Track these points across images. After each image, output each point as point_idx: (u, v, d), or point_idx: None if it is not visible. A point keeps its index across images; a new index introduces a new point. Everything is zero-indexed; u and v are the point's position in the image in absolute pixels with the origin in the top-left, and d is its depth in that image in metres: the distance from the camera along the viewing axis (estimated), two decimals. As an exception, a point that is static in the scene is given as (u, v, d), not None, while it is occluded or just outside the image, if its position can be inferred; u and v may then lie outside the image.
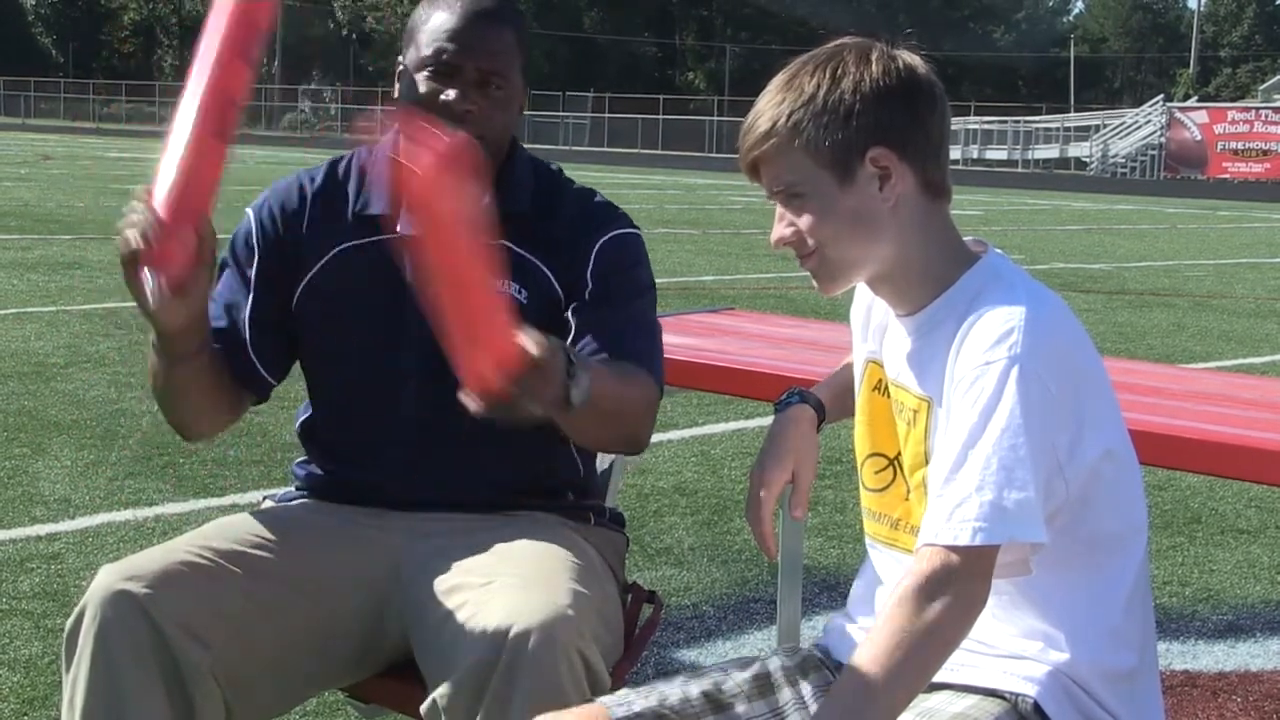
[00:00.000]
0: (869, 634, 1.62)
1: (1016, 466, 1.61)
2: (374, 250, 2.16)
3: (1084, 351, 1.72)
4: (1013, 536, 1.61)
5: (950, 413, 1.68)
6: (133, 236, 1.80)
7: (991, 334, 1.65)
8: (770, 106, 1.75)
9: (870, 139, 1.71)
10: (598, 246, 2.16)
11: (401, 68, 2.17)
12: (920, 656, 1.58)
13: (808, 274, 1.81)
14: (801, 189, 1.74)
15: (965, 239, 1.81)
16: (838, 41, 1.77)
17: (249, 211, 2.24)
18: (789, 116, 1.72)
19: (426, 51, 2.09)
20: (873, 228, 1.74)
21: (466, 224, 1.63)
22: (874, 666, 1.57)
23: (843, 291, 1.84)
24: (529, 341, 1.68)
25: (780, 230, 1.79)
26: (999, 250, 1.81)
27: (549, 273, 2.15)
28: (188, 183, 1.82)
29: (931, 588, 1.59)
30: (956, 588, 1.59)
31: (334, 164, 2.26)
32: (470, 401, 1.68)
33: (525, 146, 2.30)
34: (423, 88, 2.09)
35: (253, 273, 2.20)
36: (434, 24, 2.11)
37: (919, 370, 1.78)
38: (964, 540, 1.60)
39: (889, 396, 1.86)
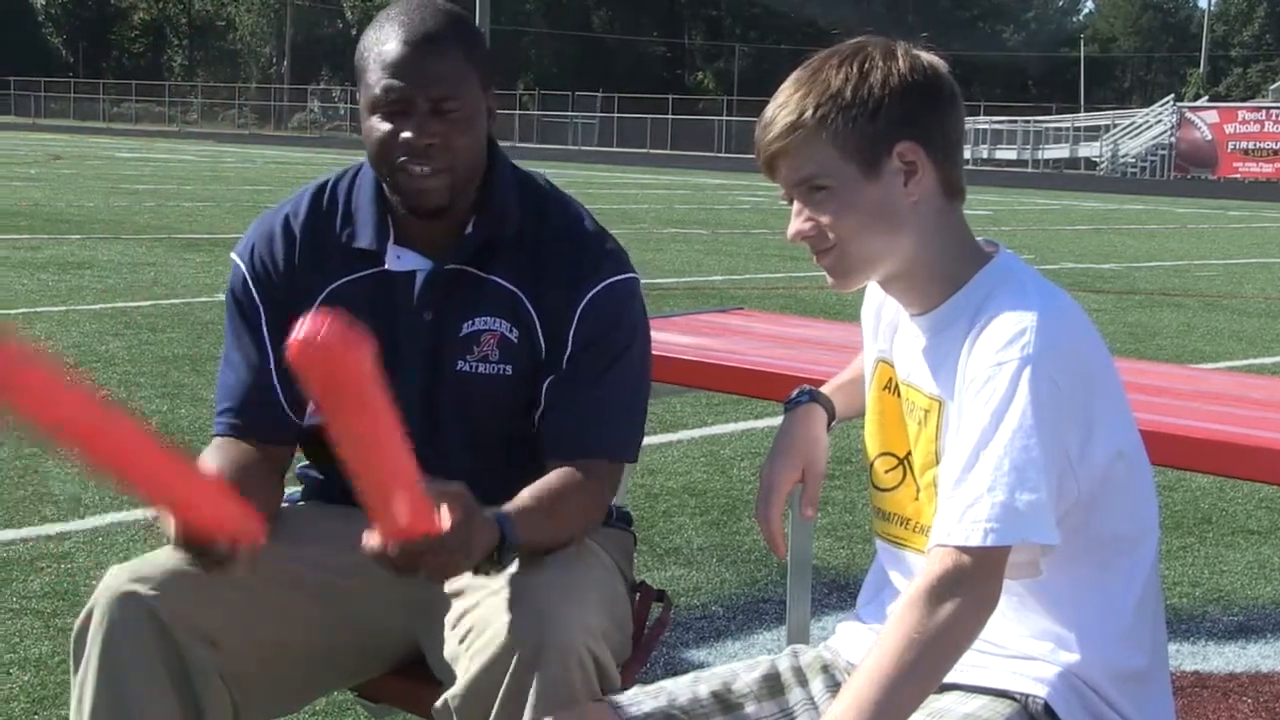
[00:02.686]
0: (880, 635, 1.62)
1: (1028, 467, 1.60)
2: (365, 284, 2.14)
3: (1096, 352, 1.72)
4: (1024, 538, 1.61)
5: (962, 413, 1.68)
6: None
7: (1004, 334, 1.65)
8: (795, 100, 1.74)
9: (898, 133, 1.71)
10: (584, 302, 2.11)
11: (360, 105, 2.11)
12: (931, 657, 1.58)
13: (817, 274, 1.81)
14: (825, 182, 1.74)
15: (977, 239, 1.81)
16: (858, 39, 1.77)
17: (238, 260, 2.19)
18: (816, 109, 1.72)
19: (376, 92, 2.03)
20: (894, 223, 1.74)
21: (362, 396, 1.56)
22: (885, 667, 1.57)
23: (856, 288, 1.84)
24: (449, 518, 1.71)
25: (798, 224, 1.78)
26: (1010, 251, 1.81)
27: (535, 317, 2.12)
28: (199, 511, 1.74)
29: (943, 589, 1.59)
30: (967, 588, 1.59)
31: (318, 192, 2.21)
32: (368, 550, 1.71)
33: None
34: (377, 132, 2.04)
35: (263, 324, 2.16)
36: (375, 56, 2.04)
37: (931, 370, 1.78)
38: (975, 541, 1.60)
39: (900, 396, 1.86)
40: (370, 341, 1.50)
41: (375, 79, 2.03)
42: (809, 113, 1.72)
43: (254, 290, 2.17)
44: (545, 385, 2.12)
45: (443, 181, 2.05)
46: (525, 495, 1.99)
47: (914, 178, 1.73)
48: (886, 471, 1.88)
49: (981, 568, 1.60)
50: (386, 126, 2.03)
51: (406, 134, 2.02)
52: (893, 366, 1.88)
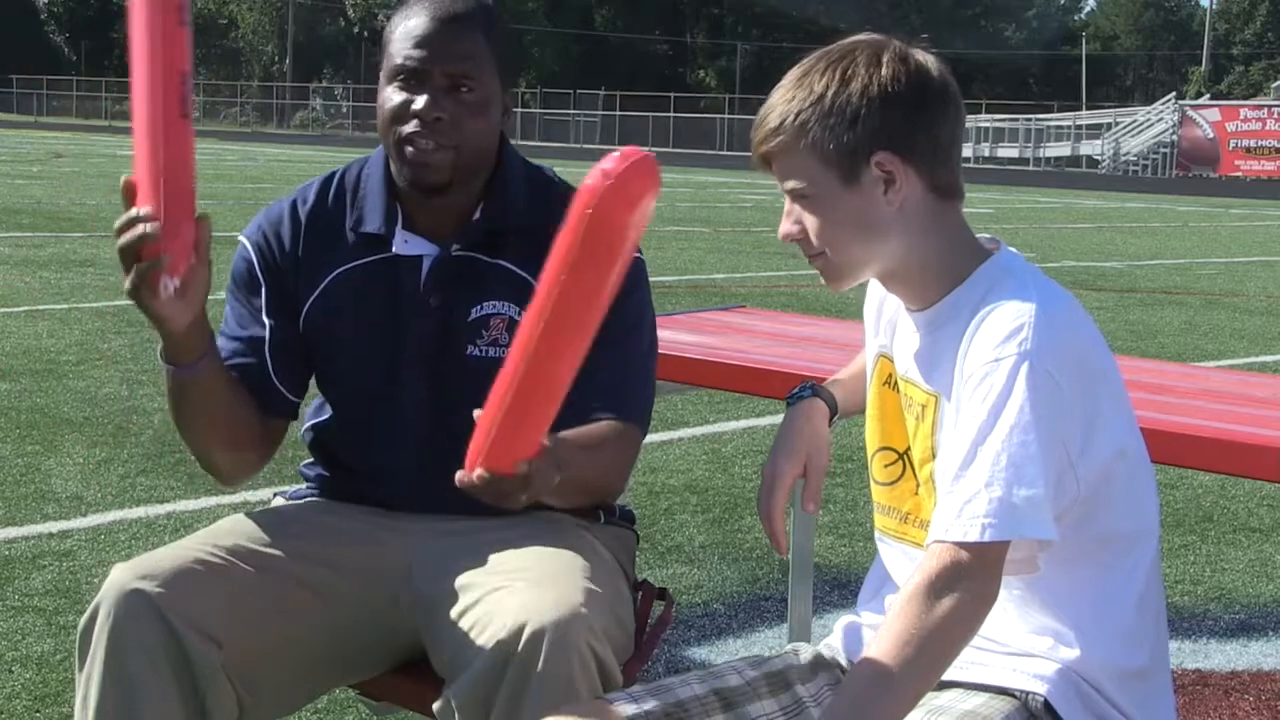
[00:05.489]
0: (879, 630, 1.62)
1: (1026, 463, 1.61)
2: (372, 269, 2.16)
3: (1096, 350, 1.72)
4: (1022, 533, 1.61)
5: (960, 409, 1.68)
6: (134, 239, 1.80)
7: (1002, 330, 1.65)
8: (781, 102, 1.75)
9: (874, 143, 1.71)
10: None
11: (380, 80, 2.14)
12: (930, 653, 1.58)
13: (817, 272, 1.81)
14: (808, 190, 1.75)
15: (979, 236, 1.81)
16: (853, 39, 1.77)
17: (244, 241, 2.22)
18: (797, 115, 1.73)
19: (396, 61, 2.07)
20: (877, 230, 1.74)
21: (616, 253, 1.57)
22: (884, 663, 1.57)
23: (849, 288, 1.85)
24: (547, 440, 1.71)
25: (787, 226, 1.79)
26: (1013, 249, 1.81)
27: None
28: (171, 175, 1.79)
29: (941, 584, 1.59)
30: (966, 584, 1.59)
31: (326, 181, 2.23)
32: (470, 480, 1.69)
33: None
34: (394, 99, 2.07)
35: (262, 302, 2.18)
36: (401, 31, 2.09)
37: (928, 366, 1.78)
38: (973, 537, 1.60)
39: (899, 391, 1.86)
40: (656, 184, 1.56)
41: (398, 49, 2.08)
42: (790, 119, 1.73)
43: (257, 268, 2.19)
44: None
45: (446, 159, 2.07)
46: (568, 431, 1.99)
47: (893, 186, 1.73)
48: (886, 466, 1.89)
49: (980, 563, 1.60)
50: (400, 96, 2.07)
51: (418, 105, 2.05)
52: (892, 361, 1.88)
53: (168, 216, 1.80)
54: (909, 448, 1.84)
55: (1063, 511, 1.67)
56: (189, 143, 1.81)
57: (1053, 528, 1.62)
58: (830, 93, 1.72)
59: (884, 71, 1.72)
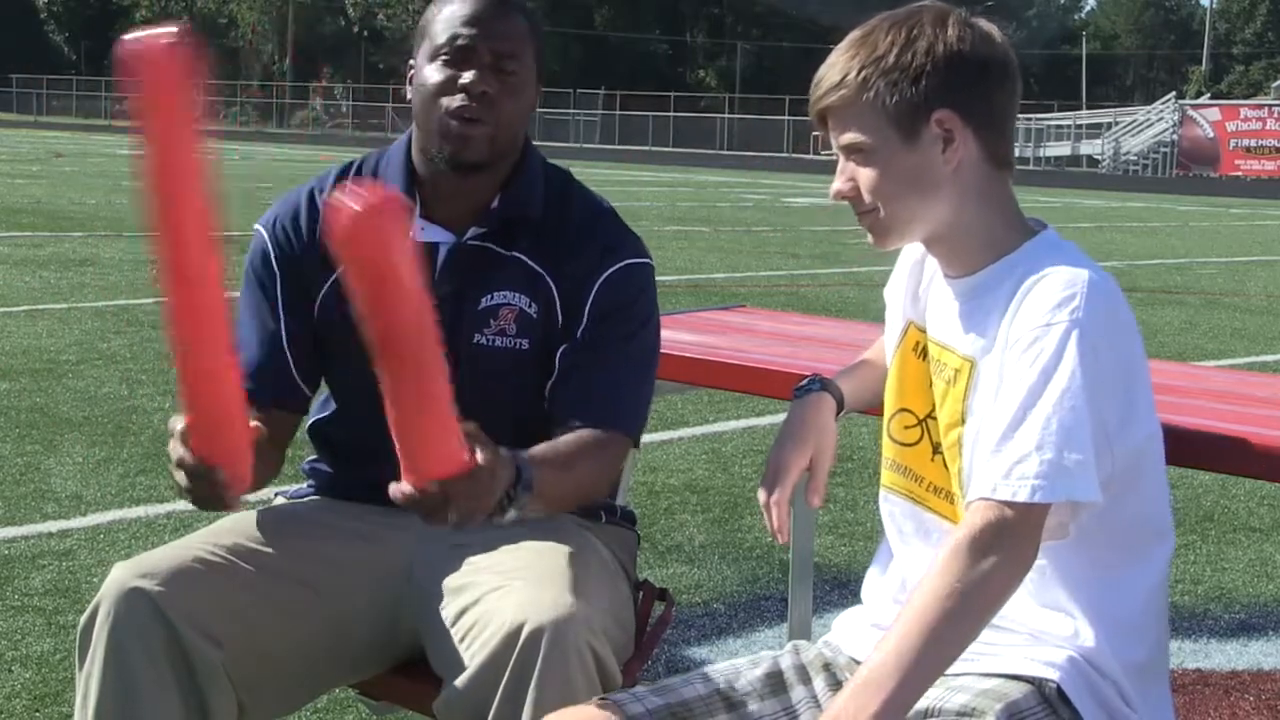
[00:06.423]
0: (918, 586, 1.63)
1: (1076, 427, 1.63)
2: None
3: (1135, 333, 1.75)
4: (1072, 495, 1.63)
5: (1006, 372, 1.70)
6: (185, 481, 1.78)
7: (1054, 296, 1.68)
8: (843, 59, 1.77)
9: (937, 101, 1.73)
10: (601, 279, 2.14)
11: (413, 69, 2.15)
12: (974, 607, 1.60)
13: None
14: (865, 144, 1.76)
15: (1026, 218, 1.83)
16: (916, 5, 1.79)
17: (261, 229, 2.22)
18: (859, 71, 1.75)
19: (440, 40, 2.09)
20: (931, 188, 1.76)
21: (408, 282, 1.54)
22: (927, 615, 1.58)
23: (894, 248, 1.87)
24: (478, 454, 1.68)
25: (840, 184, 1.81)
26: (1058, 233, 1.83)
27: (555, 291, 2.15)
28: (216, 420, 1.68)
29: (985, 542, 1.61)
30: (1009, 544, 1.61)
31: (345, 169, 2.24)
32: (400, 494, 1.66)
33: (536, 144, 2.29)
34: (438, 76, 2.08)
35: (279, 294, 2.18)
36: (447, 14, 2.11)
37: (965, 331, 1.80)
38: (1022, 497, 1.62)
39: (927, 358, 1.87)
40: (409, 216, 1.52)
41: (442, 29, 2.09)
42: (853, 74, 1.75)
43: (273, 259, 2.19)
44: (559, 353, 2.14)
45: (486, 135, 2.08)
46: (542, 447, 2.00)
47: (951, 145, 1.75)
48: (906, 428, 1.90)
49: (1024, 524, 1.62)
50: (445, 73, 2.08)
51: (466, 79, 2.06)
52: (923, 330, 1.89)
53: (209, 459, 1.71)
54: (929, 414, 1.86)
55: (1101, 483, 1.67)
56: (222, 346, 1.64)
57: (1098, 490, 1.64)
58: (895, 50, 1.74)
59: (950, 33, 1.75)
